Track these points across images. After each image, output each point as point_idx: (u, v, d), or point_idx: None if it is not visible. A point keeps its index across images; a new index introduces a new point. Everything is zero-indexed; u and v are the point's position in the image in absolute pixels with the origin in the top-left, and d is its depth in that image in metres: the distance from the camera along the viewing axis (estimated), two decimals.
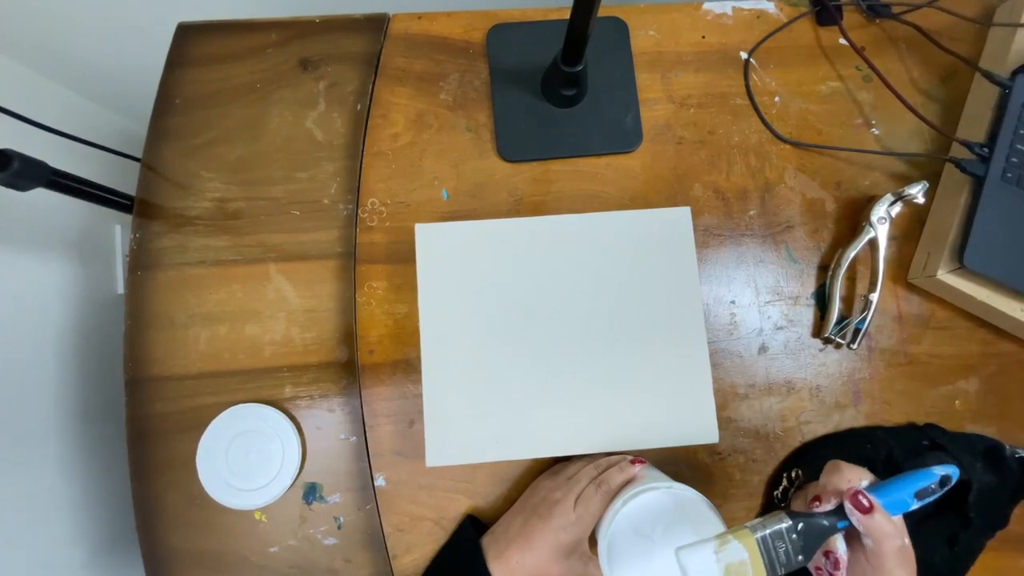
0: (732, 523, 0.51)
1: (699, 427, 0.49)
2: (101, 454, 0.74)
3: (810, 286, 0.55)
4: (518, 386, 0.50)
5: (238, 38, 0.57)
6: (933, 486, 0.33)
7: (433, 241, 0.52)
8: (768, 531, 0.32)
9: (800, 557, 0.32)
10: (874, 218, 0.53)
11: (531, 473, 0.51)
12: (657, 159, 0.57)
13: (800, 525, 0.32)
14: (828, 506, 0.33)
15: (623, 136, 0.56)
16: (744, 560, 0.32)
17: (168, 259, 0.54)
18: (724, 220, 0.55)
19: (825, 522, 0.32)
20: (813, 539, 0.32)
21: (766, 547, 0.32)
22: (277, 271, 0.53)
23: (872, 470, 0.50)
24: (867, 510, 0.32)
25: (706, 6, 0.60)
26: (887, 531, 0.31)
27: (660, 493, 0.40)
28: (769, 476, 0.52)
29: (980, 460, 0.52)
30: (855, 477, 0.35)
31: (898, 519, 0.33)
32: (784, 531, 0.32)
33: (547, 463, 0.51)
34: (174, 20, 0.58)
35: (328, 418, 0.51)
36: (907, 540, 0.33)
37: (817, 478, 0.50)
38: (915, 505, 0.33)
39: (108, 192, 0.60)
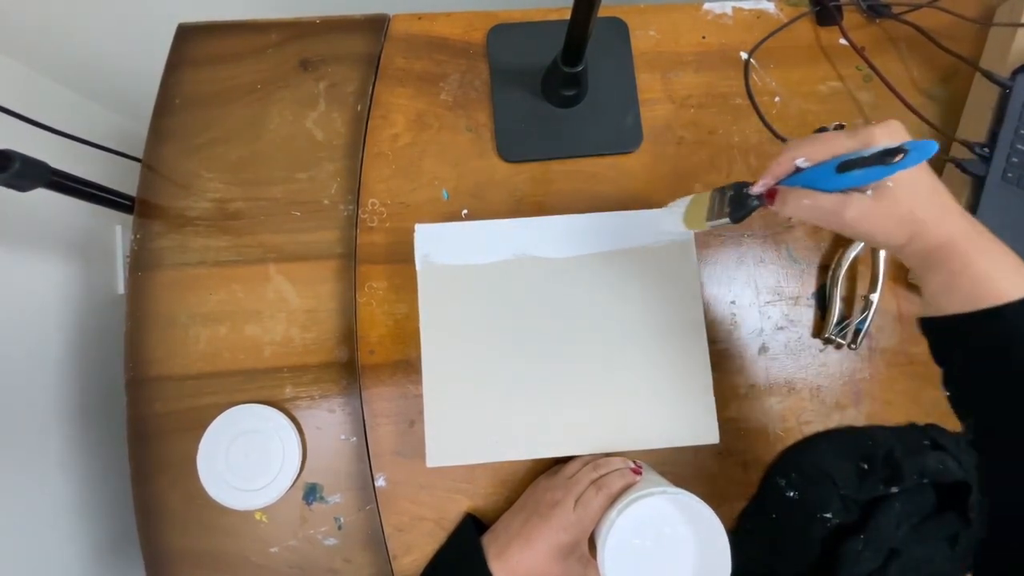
0: (732, 524, 0.51)
1: (699, 427, 0.49)
2: (101, 454, 0.74)
3: (811, 286, 0.55)
4: (518, 386, 0.50)
5: (238, 38, 0.57)
6: (865, 157, 0.33)
7: (433, 241, 0.52)
8: (717, 189, 0.43)
9: (728, 211, 0.41)
10: None
11: (531, 473, 0.51)
12: (657, 159, 0.57)
13: (730, 195, 0.41)
14: (759, 188, 0.38)
15: (623, 136, 0.56)
16: (694, 197, 0.47)
17: (168, 259, 0.54)
18: None
19: (756, 202, 0.39)
20: (740, 209, 0.40)
21: (712, 199, 0.43)
22: (277, 271, 0.53)
23: (872, 468, 0.50)
24: (771, 203, 0.38)
25: (706, 6, 0.60)
26: (802, 212, 0.36)
27: (659, 498, 0.40)
28: (766, 470, 0.52)
29: None
30: (787, 161, 0.36)
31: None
32: (725, 194, 0.42)
33: (547, 463, 0.51)
34: (174, 20, 0.58)
35: (328, 418, 0.51)
36: (824, 203, 0.35)
37: (815, 475, 0.50)
38: (846, 181, 0.34)
39: (108, 192, 0.60)
